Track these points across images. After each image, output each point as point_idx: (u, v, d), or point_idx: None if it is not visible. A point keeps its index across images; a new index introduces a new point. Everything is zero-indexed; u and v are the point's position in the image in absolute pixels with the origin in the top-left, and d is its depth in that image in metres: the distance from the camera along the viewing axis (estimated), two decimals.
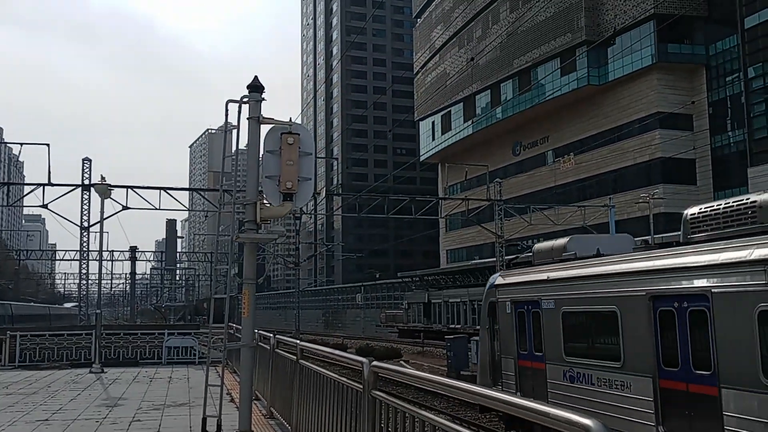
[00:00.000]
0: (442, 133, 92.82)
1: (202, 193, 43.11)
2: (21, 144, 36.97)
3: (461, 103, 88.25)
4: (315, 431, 7.68)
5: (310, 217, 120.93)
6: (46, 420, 12.08)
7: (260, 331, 12.93)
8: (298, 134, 8.69)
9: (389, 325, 62.84)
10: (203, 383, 9.05)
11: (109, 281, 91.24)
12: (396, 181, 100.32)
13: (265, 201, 8.96)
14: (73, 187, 35.59)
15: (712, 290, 8.72)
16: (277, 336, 11.68)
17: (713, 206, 10.23)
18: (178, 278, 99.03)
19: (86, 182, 37.67)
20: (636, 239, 13.94)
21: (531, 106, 74.13)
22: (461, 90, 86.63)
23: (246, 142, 9.04)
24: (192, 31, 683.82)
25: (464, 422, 15.45)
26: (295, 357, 9.12)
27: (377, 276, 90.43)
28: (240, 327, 10.40)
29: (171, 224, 70.02)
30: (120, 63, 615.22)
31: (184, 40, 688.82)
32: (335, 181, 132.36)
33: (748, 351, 8.19)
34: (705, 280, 8.89)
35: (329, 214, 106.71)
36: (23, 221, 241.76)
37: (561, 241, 14.35)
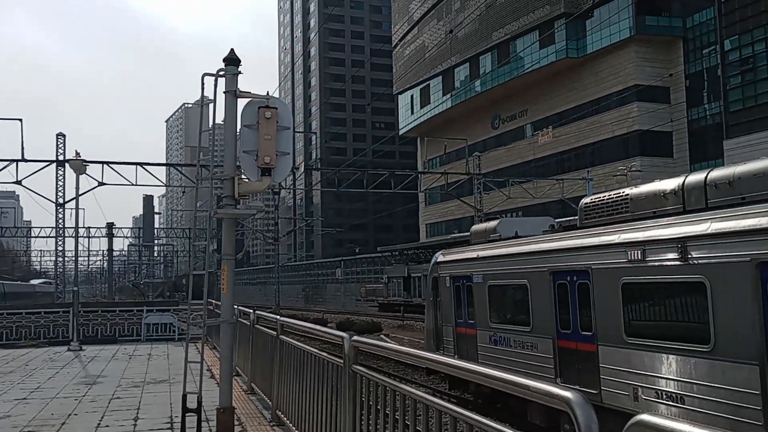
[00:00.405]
0: (421, 107, 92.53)
1: (179, 168, 42.70)
2: None
3: (440, 77, 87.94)
4: (296, 406, 7.69)
5: (289, 192, 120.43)
6: (24, 399, 12.00)
7: (240, 307, 12.90)
8: (276, 108, 8.58)
9: (369, 300, 63.07)
10: (183, 360, 9.00)
11: (86, 258, 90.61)
12: (375, 155, 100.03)
13: (243, 176, 8.87)
14: (48, 163, 35.11)
15: (592, 266, 10.71)
16: (257, 312, 11.66)
17: (601, 197, 12.09)
18: (156, 255, 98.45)
19: (60, 158, 37.16)
20: (556, 220, 16.21)
21: (510, 79, 74.03)
22: (440, 63, 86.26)
23: (223, 117, 8.92)
24: (167, 6, 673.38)
25: (444, 395, 15.59)
26: (275, 332, 9.10)
27: (357, 251, 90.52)
28: (219, 303, 10.35)
29: (148, 200, 69.41)
30: (93, 39, 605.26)
31: (159, 15, 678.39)
32: (314, 156, 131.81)
33: (615, 315, 10.23)
34: (588, 258, 10.87)
35: (308, 189, 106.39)
36: None
37: (492, 223, 16.68)
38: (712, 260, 8.53)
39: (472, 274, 14.77)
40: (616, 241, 10.25)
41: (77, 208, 25.49)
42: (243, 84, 8.79)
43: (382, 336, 34.79)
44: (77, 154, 25.73)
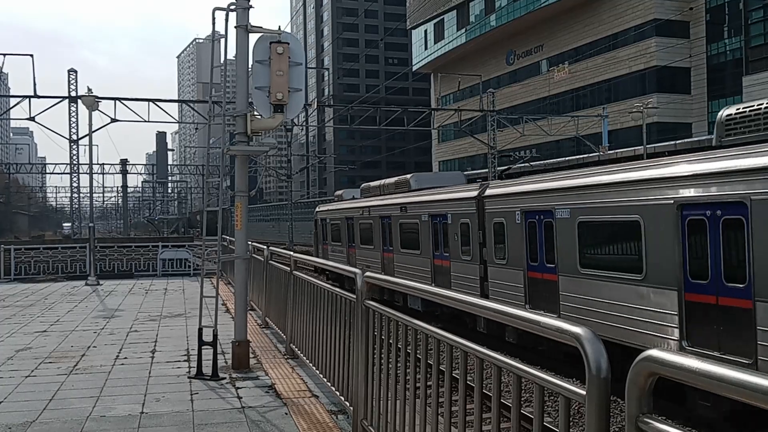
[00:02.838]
0: (435, 42, 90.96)
1: (191, 104, 42.49)
2: (4, 55, 36.15)
3: (455, 11, 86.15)
4: (309, 340, 7.83)
5: (302, 129, 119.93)
6: (44, 331, 12.28)
7: (254, 243, 13.02)
8: (288, 43, 8.47)
9: None
10: (198, 295, 9.15)
11: (101, 195, 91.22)
12: (388, 91, 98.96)
13: (255, 113, 8.83)
14: (60, 99, 35.03)
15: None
16: (270, 248, 11.76)
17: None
18: (170, 191, 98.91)
19: (73, 94, 37.04)
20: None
21: (526, 13, 72.40)
22: None
23: (235, 52, 8.83)
24: None
25: (456, 331, 15.77)
26: (288, 268, 9.20)
27: None
28: (233, 239, 10.44)
29: (161, 137, 69.14)
30: None
31: None
32: (326, 92, 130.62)
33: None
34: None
35: (321, 126, 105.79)
36: (11, 134, 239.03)
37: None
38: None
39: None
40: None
41: (90, 145, 25.52)
42: (254, 18, 8.67)
43: None
44: (89, 90, 25.64)
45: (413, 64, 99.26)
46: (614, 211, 10.91)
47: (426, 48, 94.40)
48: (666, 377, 1.98)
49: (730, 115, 10.18)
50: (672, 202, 9.69)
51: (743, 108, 10.04)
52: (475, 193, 16.08)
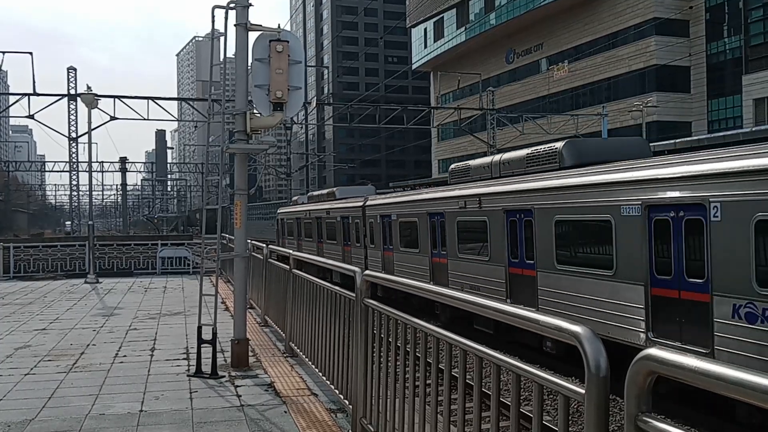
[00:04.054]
0: (435, 41, 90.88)
1: (190, 102, 42.45)
2: (3, 52, 36.03)
3: (454, 9, 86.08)
4: (309, 338, 7.83)
5: (301, 128, 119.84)
6: (44, 329, 12.28)
7: (253, 242, 13.02)
8: (288, 41, 8.47)
9: None
10: (197, 293, 9.15)
11: (101, 193, 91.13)
12: (388, 90, 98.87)
13: (255, 111, 8.83)
14: (59, 97, 34.98)
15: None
16: (269, 246, 11.77)
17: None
18: (169, 189, 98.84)
19: (72, 92, 37.00)
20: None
21: (525, 11, 72.35)
22: None
23: (234, 51, 8.83)
24: None
25: (455, 329, 15.77)
26: (288, 266, 9.20)
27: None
28: (233, 237, 10.44)
29: (160, 135, 68.98)
30: None
31: None
32: (326, 91, 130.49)
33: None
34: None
35: (320, 124, 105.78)
36: (10, 132, 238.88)
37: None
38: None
39: (294, 218, 21.17)
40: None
41: (90, 143, 25.52)
42: (254, 17, 8.67)
43: None
44: (89, 88, 25.62)
45: (413, 62, 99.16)
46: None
47: (425, 46, 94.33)
48: (665, 376, 1.98)
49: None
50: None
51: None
52: (361, 203, 23.71)
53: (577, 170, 12.13)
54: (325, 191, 32.22)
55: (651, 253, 10.18)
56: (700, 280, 9.29)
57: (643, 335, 10.21)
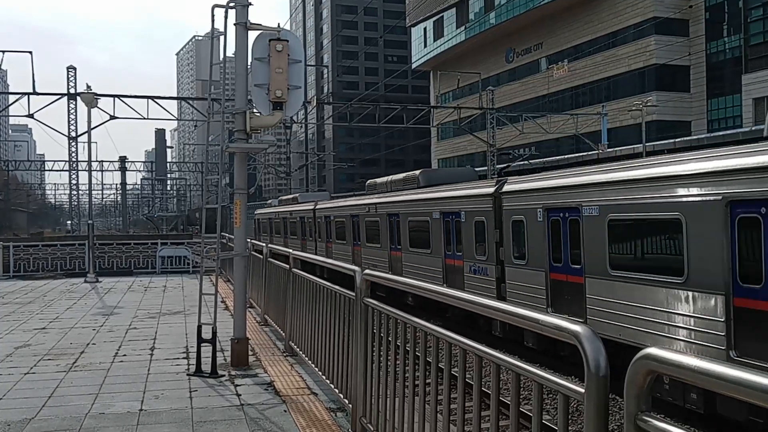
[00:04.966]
0: (435, 40, 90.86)
1: (190, 102, 42.44)
2: (3, 52, 35.97)
3: (454, 9, 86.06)
4: (308, 337, 7.83)
5: (301, 127, 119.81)
6: (44, 328, 12.27)
7: (253, 241, 13.02)
8: (287, 41, 8.47)
9: None
10: (197, 292, 9.15)
11: (100, 192, 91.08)
12: (387, 89, 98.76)
13: (254, 110, 8.83)
14: (59, 96, 34.99)
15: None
16: (269, 245, 11.76)
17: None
18: (169, 188, 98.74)
19: (72, 91, 36.99)
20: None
21: (525, 11, 72.34)
22: None
23: (234, 50, 8.83)
24: None
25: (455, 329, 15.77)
26: (287, 266, 9.20)
27: None
28: (232, 237, 10.44)
29: (160, 134, 68.77)
30: None
31: None
32: (326, 90, 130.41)
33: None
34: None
35: (320, 124, 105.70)
36: (9, 131, 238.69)
37: (293, 195, 37.17)
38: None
39: (272, 218, 23.96)
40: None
41: (89, 142, 25.50)
42: (253, 16, 8.67)
43: None
44: (88, 87, 25.62)
45: (412, 61, 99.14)
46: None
47: (425, 46, 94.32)
48: (665, 375, 1.98)
49: None
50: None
51: None
52: (311, 206, 29.51)
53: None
54: (290, 196, 39.36)
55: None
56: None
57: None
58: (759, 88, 48.84)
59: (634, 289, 10.32)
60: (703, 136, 43.59)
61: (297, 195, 36.42)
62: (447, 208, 16.63)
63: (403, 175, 22.54)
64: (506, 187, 14.52)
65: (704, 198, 8.92)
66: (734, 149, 8.91)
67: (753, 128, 36.51)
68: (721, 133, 42.76)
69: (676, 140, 40.92)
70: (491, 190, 15.04)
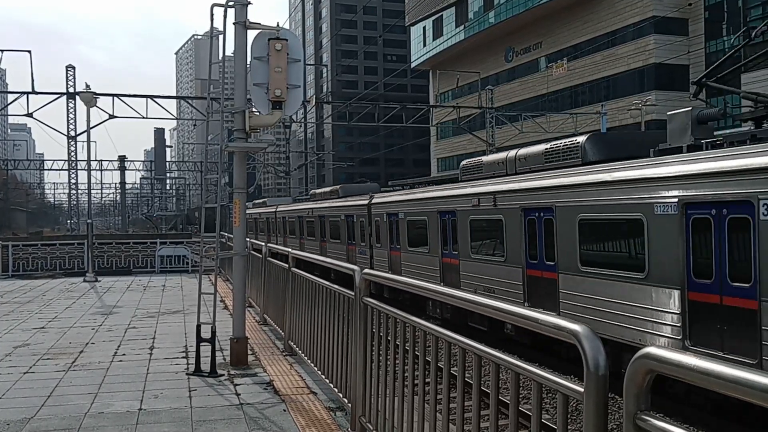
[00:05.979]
0: (434, 39, 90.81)
1: (189, 101, 42.42)
2: (2, 51, 35.95)
3: (453, 8, 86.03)
4: (308, 337, 7.83)
5: (300, 126, 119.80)
6: (43, 328, 12.27)
7: (252, 240, 13.02)
8: (286, 40, 8.46)
9: None
10: (196, 291, 9.15)
11: (99, 191, 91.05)
12: (387, 88, 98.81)
13: (253, 109, 8.83)
14: (58, 95, 34.93)
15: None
16: (268, 245, 11.76)
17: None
18: (168, 188, 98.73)
19: (71, 90, 36.95)
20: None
21: (525, 10, 72.32)
22: None
23: (233, 49, 8.82)
24: None
25: (454, 327, 15.75)
26: (287, 265, 9.20)
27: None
28: (232, 236, 10.44)
29: (159, 133, 68.79)
30: None
31: None
32: (325, 89, 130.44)
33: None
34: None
35: (319, 123, 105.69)
36: (9, 130, 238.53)
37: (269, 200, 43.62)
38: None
39: (258, 218, 27.61)
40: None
41: (89, 141, 25.48)
42: (253, 15, 8.66)
43: None
44: (87, 86, 25.60)
45: (412, 61, 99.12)
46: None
47: (424, 45, 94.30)
48: (664, 375, 1.98)
49: None
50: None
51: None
52: (273, 209, 36.62)
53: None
54: (263, 200, 45.64)
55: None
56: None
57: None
58: (758, 88, 48.78)
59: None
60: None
61: (266, 200, 44.27)
62: (346, 212, 24.46)
63: (330, 188, 30.68)
64: (374, 200, 21.90)
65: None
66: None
67: (752, 128, 36.47)
68: (720, 132, 42.73)
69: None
70: (366, 201, 22.40)
